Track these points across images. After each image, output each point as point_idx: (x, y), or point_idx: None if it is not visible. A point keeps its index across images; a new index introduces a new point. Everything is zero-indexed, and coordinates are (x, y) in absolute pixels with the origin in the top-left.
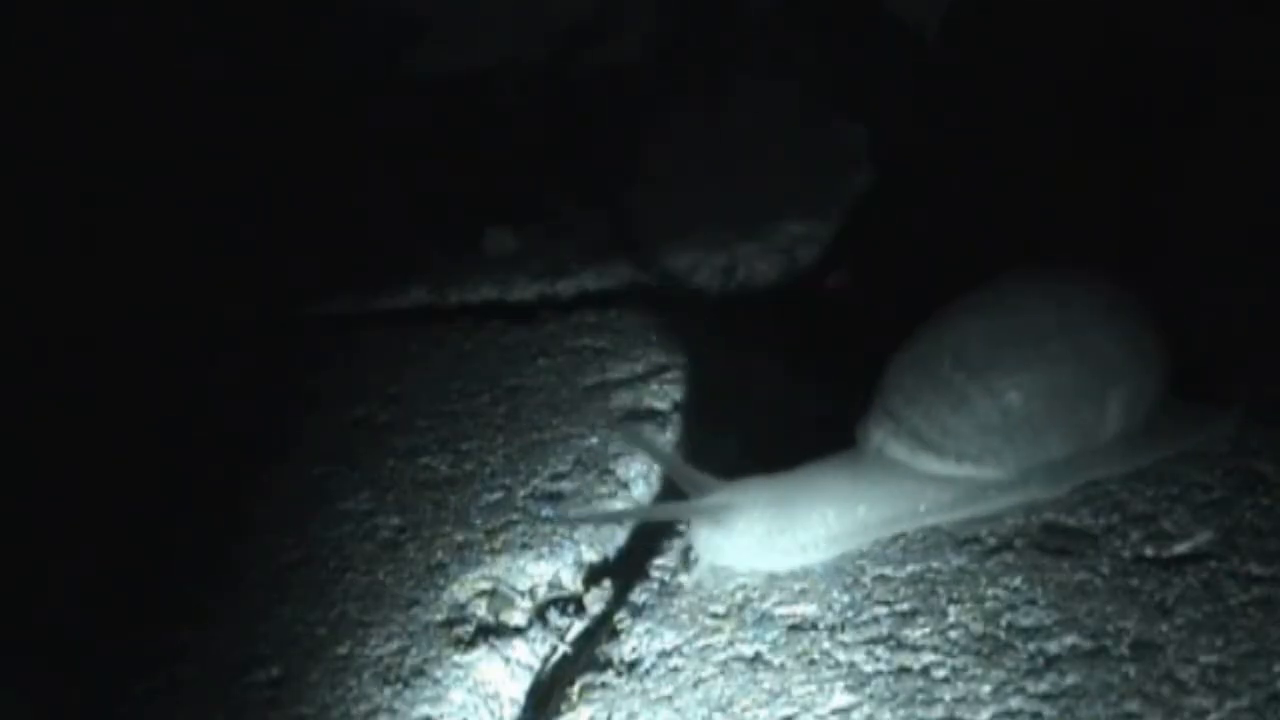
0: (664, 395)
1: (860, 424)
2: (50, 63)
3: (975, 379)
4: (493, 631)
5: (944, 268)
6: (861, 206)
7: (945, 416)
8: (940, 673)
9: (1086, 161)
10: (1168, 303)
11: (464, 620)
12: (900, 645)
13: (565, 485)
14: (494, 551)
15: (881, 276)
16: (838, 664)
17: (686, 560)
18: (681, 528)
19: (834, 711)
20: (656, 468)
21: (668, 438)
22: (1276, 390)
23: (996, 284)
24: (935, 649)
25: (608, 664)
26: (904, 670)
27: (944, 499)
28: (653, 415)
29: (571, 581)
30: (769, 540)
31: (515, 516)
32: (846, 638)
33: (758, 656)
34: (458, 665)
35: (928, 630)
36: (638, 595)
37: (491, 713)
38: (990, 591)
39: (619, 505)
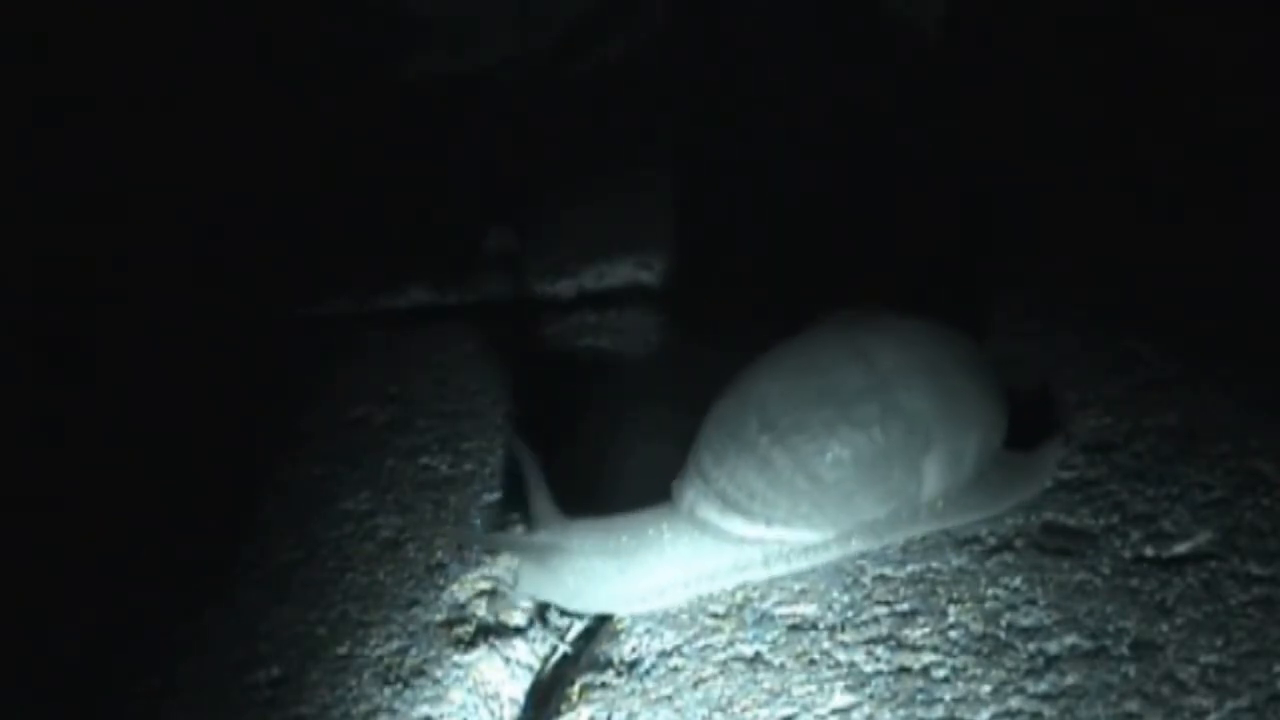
0: (664, 396)
1: (676, 481)
2: (49, 61)
3: (780, 443)
4: (493, 631)
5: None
6: (862, 208)
7: (751, 480)
8: (940, 673)
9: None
10: (1003, 346)
11: (464, 620)
12: (900, 645)
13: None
14: (494, 551)
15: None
16: (838, 664)
17: (494, 594)
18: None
19: (834, 711)
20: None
21: (667, 441)
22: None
23: (807, 335)
24: (935, 649)
25: (608, 664)
26: (904, 670)
27: (753, 561)
28: (652, 416)
29: None
30: (594, 587)
31: (515, 516)
32: (846, 638)
33: (758, 656)
34: (458, 665)
35: (928, 630)
36: None
37: (491, 713)
38: (990, 591)
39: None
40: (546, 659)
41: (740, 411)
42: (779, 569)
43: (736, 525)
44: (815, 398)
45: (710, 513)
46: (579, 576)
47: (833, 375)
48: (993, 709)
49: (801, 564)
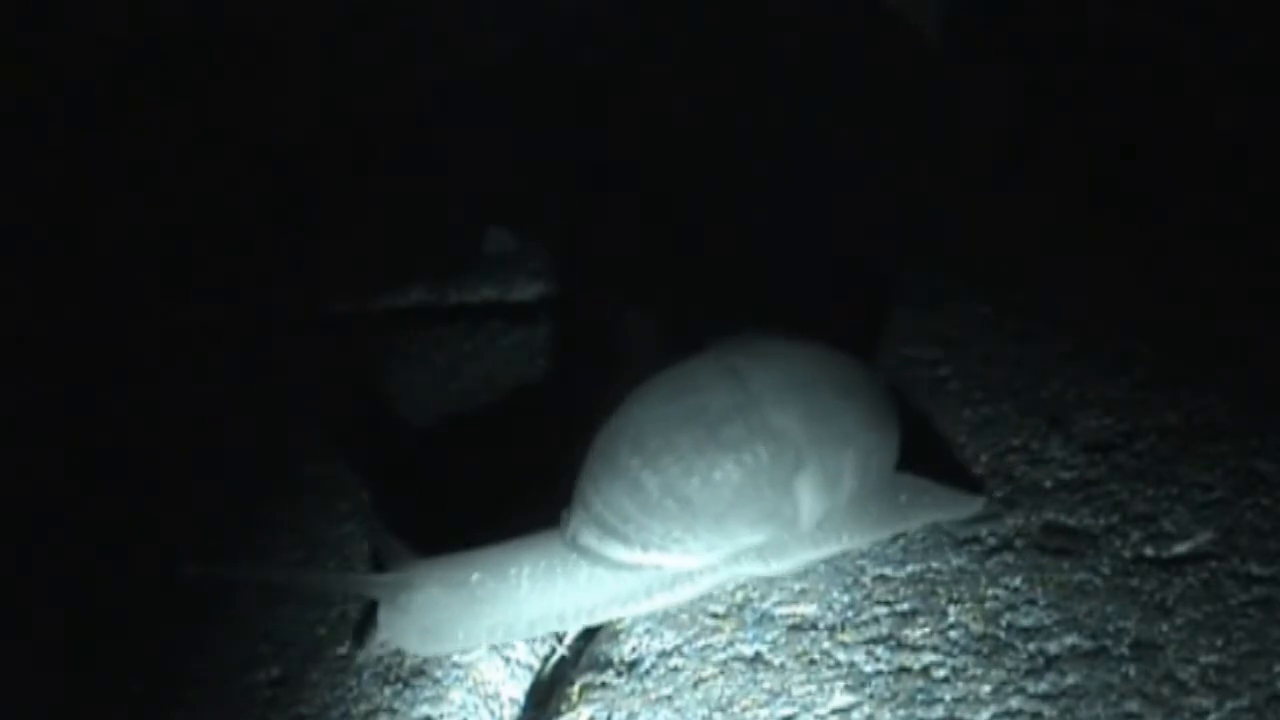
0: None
1: (564, 510)
2: (50, 59)
3: (649, 466)
4: None
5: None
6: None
7: (625, 505)
8: (940, 673)
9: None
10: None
11: None
12: (900, 645)
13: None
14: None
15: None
16: (838, 664)
17: (361, 634)
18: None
19: (834, 711)
20: None
21: None
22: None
23: (686, 360)
24: (935, 649)
25: (608, 664)
26: (904, 670)
27: (636, 588)
28: None
29: None
30: (452, 623)
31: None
32: (846, 638)
33: (758, 656)
34: (458, 665)
35: (928, 630)
36: None
37: (491, 713)
38: (990, 591)
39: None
40: (546, 659)
41: (615, 437)
42: (663, 599)
43: (615, 551)
44: (683, 420)
45: (590, 539)
46: (439, 614)
47: (703, 396)
48: (993, 709)
49: (688, 591)
